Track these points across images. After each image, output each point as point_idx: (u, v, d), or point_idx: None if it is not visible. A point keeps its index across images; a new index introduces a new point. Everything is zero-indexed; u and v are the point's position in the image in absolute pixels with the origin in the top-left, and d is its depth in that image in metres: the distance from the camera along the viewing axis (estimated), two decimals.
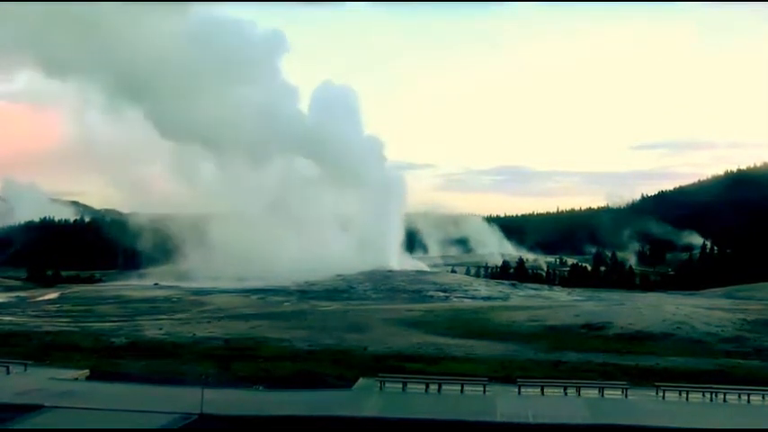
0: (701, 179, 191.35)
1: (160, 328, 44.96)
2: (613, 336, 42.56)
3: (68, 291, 78.70)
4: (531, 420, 23.59)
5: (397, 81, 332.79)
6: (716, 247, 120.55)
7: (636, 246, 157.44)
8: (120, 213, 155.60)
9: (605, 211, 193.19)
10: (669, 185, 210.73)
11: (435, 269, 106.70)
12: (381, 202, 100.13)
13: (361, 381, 29.27)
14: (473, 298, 69.60)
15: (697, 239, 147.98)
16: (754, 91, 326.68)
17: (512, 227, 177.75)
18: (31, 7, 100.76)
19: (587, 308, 54.28)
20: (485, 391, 27.20)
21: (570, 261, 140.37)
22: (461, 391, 27.29)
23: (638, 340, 41.36)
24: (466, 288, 76.03)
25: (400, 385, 27.74)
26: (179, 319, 51.71)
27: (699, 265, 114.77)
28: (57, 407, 23.65)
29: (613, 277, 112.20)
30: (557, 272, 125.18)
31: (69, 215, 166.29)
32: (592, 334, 43.37)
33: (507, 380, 29.34)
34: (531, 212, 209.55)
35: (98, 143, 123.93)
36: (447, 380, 28.23)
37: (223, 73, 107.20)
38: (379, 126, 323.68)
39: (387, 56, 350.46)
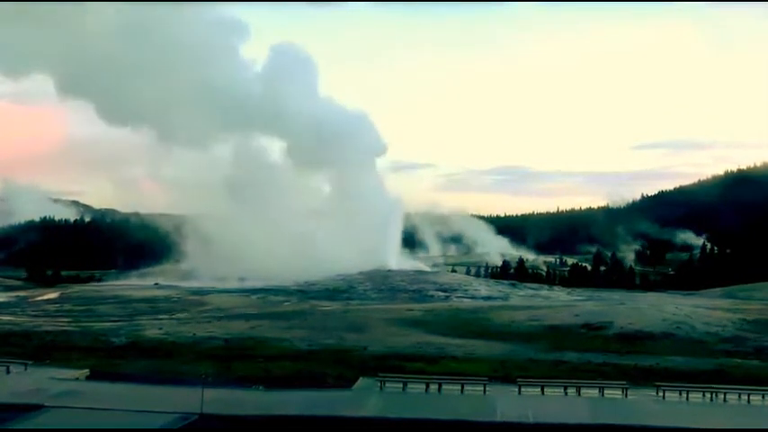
0: (701, 179, 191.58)
1: (160, 328, 44.95)
2: (613, 336, 42.53)
3: (68, 290, 78.62)
4: (531, 420, 23.61)
5: (397, 81, 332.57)
6: (716, 247, 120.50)
7: (636, 246, 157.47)
8: (120, 213, 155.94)
9: (605, 210, 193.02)
10: (669, 185, 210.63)
11: (435, 269, 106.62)
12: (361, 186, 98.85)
13: (361, 381, 29.31)
14: (473, 298, 69.57)
15: (697, 239, 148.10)
16: (754, 91, 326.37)
17: (512, 227, 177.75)
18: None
19: (587, 308, 54.23)
20: (485, 391, 27.23)
21: (570, 261, 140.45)
22: (461, 391, 27.33)
23: (638, 340, 41.33)
24: (466, 288, 75.97)
25: (400, 385, 27.77)
26: (179, 319, 51.72)
27: (699, 264, 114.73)
28: (57, 407, 23.67)
29: (613, 277, 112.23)
30: (557, 272, 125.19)
31: (69, 215, 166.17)
32: (592, 334, 43.35)
33: (507, 380, 29.36)
34: (531, 212, 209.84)
35: (88, 143, 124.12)
36: (447, 380, 28.28)
37: (170, 57, 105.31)
38: (379, 126, 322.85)
39: (387, 56, 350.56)
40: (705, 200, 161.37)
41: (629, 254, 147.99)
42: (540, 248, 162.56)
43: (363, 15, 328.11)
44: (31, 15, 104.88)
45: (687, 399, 27.17)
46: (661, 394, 27.37)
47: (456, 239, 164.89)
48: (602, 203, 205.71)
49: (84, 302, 64.90)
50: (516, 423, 23.39)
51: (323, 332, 43.20)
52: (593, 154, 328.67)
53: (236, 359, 33.72)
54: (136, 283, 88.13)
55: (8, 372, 29.02)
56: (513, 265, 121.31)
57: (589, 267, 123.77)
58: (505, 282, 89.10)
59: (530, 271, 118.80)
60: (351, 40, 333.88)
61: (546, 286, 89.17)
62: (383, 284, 75.84)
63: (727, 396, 27.27)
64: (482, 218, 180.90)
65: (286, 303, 64.29)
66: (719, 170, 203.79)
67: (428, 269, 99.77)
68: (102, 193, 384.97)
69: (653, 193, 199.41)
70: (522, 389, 27.65)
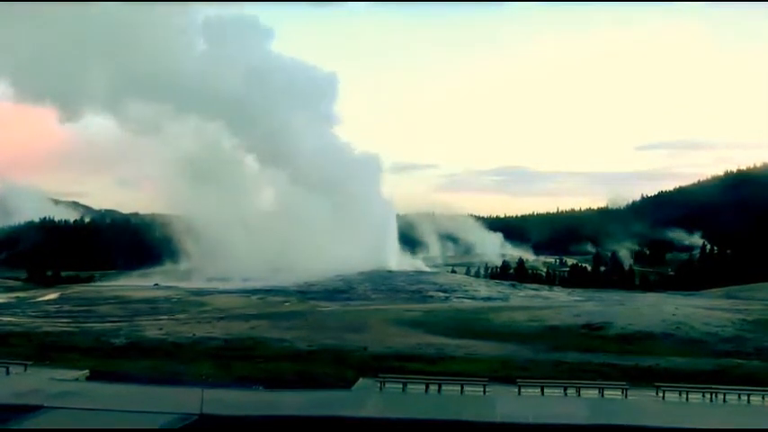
0: (701, 179, 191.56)
1: (160, 329, 44.92)
2: (613, 336, 42.50)
3: (68, 291, 78.55)
4: (531, 420, 23.58)
5: (398, 81, 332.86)
6: (716, 248, 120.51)
7: (636, 246, 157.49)
8: (120, 213, 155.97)
9: (605, 211, 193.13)
10: (669, 186, 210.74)
11: (435, 269, 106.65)
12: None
13: (361, 381, 29.27)
14: (473, 298, 69.55)
15: (697, 240, 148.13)
16: (754, 91, 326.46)
17: (512, 227, 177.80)
18: None
19: (587, 308, 54.22)
20: (485, 392, 27.18)
21: (570, 261, 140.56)
22: (461, 391, 27.27)
23: (637, 340, 41.31)
24: (466, 288, 75.99)
25: (400, 385, 27.73)
26: (179, 320, 51.69)
27: (699, 265, 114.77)
28: (57, 407, 23.62)
29: (613, 277, 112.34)
30: (556, 272, 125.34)
31: (69, 215, 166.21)
32: (592, 334, 43.30)
33: (507, 380, 29.26)
34: (531, 213, 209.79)
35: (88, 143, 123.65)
36: (447, 380, 28.21)
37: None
38: (380, 126, 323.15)
39: (388, 56, 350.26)
40: (705, 200, 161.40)
41: (628, 254, 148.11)
42: (540, 249, 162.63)
43: (363, 15, 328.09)
44: None
45: (687, 399, 27.13)
46: (661, 395, 27.33)
47: (456, 240, 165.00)
48: (602, 204, 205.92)
49: (84, 303, 64.83)
50: (516, 423, 23.36)
51: (323, 332, 43.15)
52: (594, 154, 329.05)
53: (236, 359, 33.71)
54: (136, 284, 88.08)
55: (8, 372, 28.96)
56: (513, 265, 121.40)
57: (589, 268, 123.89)
58: (505, 282, 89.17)
59: (530, 271, 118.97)
60: (351, 41, 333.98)
61: (546, 287, 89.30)
62: (383, 285, 75.85)
63: (727, 396, 27.22)
64: (482, 218, 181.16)
65: (286, 304, 64.27)
66: (719, 170, 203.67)
67: (428, 269, 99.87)
68: (103, 194, 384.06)
69: (653, 194, 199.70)
70: (522, 389, 27.60)
